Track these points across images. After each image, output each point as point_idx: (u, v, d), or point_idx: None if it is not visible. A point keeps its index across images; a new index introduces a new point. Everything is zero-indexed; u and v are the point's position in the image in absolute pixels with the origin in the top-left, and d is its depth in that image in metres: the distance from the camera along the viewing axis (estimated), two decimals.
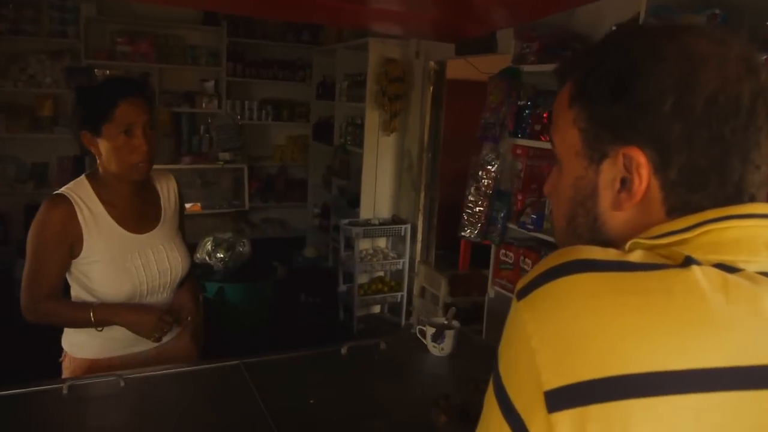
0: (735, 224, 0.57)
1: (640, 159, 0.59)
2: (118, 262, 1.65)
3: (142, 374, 1.61)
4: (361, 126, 4.65)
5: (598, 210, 0.64)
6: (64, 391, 1.49)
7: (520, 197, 2.99)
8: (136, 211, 1.72)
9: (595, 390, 0.49)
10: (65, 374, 1.73)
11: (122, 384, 1.54)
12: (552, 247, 2.80)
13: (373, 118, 4.54)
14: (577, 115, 0.64)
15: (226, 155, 4.54)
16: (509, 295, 3.01)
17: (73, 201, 1.61)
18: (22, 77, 4.85)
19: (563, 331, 0.52)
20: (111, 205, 1.67)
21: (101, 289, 1.65)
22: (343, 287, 4.66)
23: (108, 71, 5.12)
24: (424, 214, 4.57)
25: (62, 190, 1.64)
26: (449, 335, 1.79)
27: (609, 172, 0.62)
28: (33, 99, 4.96)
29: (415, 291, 4.18)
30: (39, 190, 5.00)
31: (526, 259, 2.93)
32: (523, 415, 0.52)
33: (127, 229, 1.69)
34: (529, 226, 2.86)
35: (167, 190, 1.83)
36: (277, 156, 6.04)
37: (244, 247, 3.89)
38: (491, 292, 3.16)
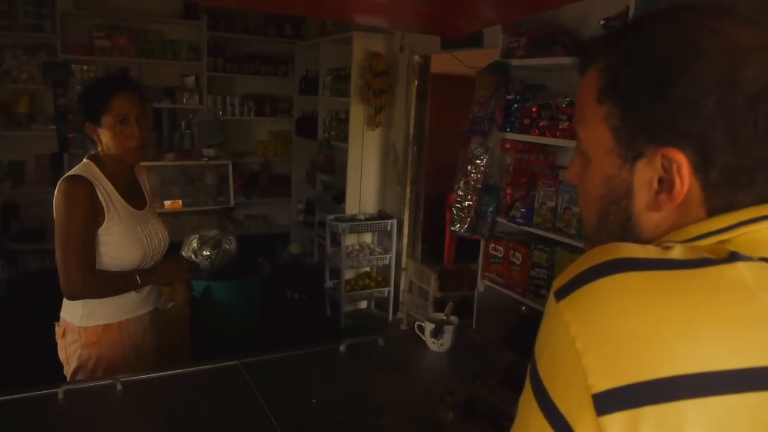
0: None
1: (681, 160, 0.57)
2: (131, 232, 1.87)
3: (140, 377, 1.58)
4: (346, 121, 4.62)
5: (633, 210, 0.63)
6: (60, 396, 1.46)
7: (509, 191, 3.00)
8: (131, 191, 1.93)
9: (647, 392, 0.48)
10: (71, 348, 1.85)
11: (119, 387, 1.51)
12: (541, 240, 2.82)
13: (357, 113, 4.52)
14: (609, 112, 0.62)
15: (210, 151, 4.47)
16: (499, 289, 3.02)
17: (90, 179, 1.79)
18: None
19: (610, 332, 0.51)
20: (116, 184, 1.86)
21: (119, 256, 1.85)
22: (329, 283, 4.65)
23: (85, 66, 5.02)
24: (410, 209, 4.57)
25: (75, 171, 1.82)
26: (448, 331, 1.79)
27: (645, 173, 0.60)
28: (8, 95, 4.83)
29: (403, 286, 4.18)
30: (16, 188, 4.88)
31: (516, 253, 2.95)
32: (569, 417, 0.52)
33: (131, 205, 1.90)
34: (519, 220, 2.87)
35: (143, 178, 2.06)
36: (259, 151, 5.97)
37: (230, 245, 3.84)
38: (481, 286, 3.17)
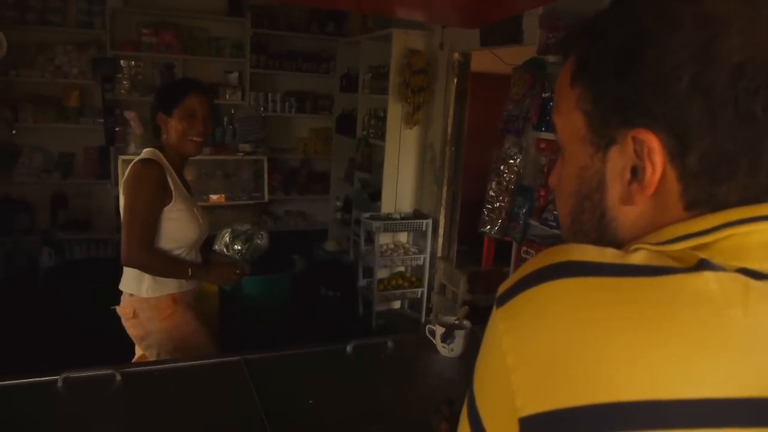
0: (762, 227, 0.48)
1: (653, 143, 0.50)
2: (191, 213, 2.11)
3: (139, 369, 1.57)
4: (384, 119, 4.57)
5: (606, 205, 0.55)
6: (59, 384, 1.46)
7: (542, 193, 2.89)
8: (182, 180, 2.16)
9: (577, 420, 0.41)
10: (150, 324, 2.05)
11: (118, 378, 1.50)
12: None
13: (395, 111, 4.46)
14: (581, 95, 0.55)
15: (247, 147, 4.50)
16: None
17: (160, 163, 2.02)
18: (49, 68, 4.88)
19: (543, 348, 0.44)
20: (175, 170, 2.10)
21: (183, 230, 2.09)
22: (363, 282, 4.61)
23: (133, 62, 5.15)
24: (446, 209, 4.47)
25: (146, 155, 2.03)
26: (459, 335, 1.71)
27: (618, 161, 0.53)
28: (59, 89, 4.99)
29: (435, 288, 4.10)
30: (65, 180, 5.04)
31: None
32: None
33: (186, 190, 2.15)
34: (552, 223, 2.75)
35: (187, 171, 2.28)
36: (300, 148, 5.99)
37: (262, 240, 3.83)
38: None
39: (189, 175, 4.34)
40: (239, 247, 3.84)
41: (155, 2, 5.16)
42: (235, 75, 5.49)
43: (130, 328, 2.09)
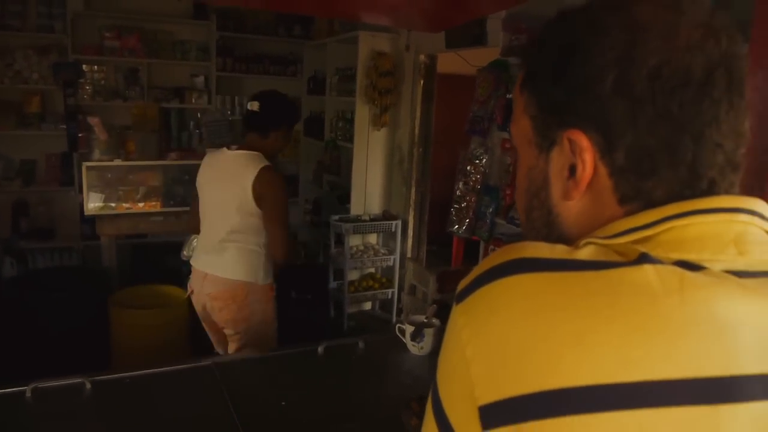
0: (698, 220, 0.52)
1: (583, 142, 0.54)
2: None
3: (110, 377, 1.56)
4: (352, 121, 4.59)
5: (551, 201, 0.59)
6: (28, 394, 1.45)
7: (508, 192, 2.95)
8: None
9: (530, 406, 0.44)
10: (255, 305, 2.38)
11: (88, 386, 1.49)
12: None
13: (363, 113, 4.49)
14: (528, 101, 0.60)
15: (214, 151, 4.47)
16: None
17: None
18: (9, 73, 4.76)
19: (498, 340, 0.47)
20: None
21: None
22: (333, 284, 4.62)
23: (96, 66, 5.06)
24: (415, 210, 4.52)
25: (263, 161, 2.32)
26: (429, 334, 1.74)
27: (558, 160, 0.57)
28: (20, 95, 4.88)
29: (405, 288, 4.13)
30: (27, 187, 4.93)
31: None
32: (457, 430, 0.48)
33: None
34: (518, 221, 2.80)
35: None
36: None
37: None
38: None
39: (156, 180, 4.29)
40: None
41: (118, 5, 5.08)
42: (201, 79, 5.44)
43: (237, 311, 2.36)
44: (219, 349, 2.61)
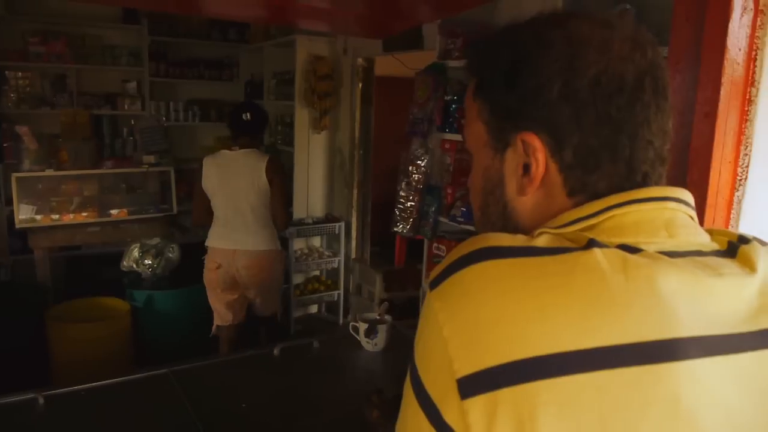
0: (634, 208, 0.60)
1: (536, 143, 0.61)
2: None
3: (64, 390, 1.54)
4: (291, 125, 4.60)
5: (506, 197, 0.66)
6: None
7: (450, 191, 3.04)
8: None
9: (504, 374, 0.50)
10: (279, 268, 3.17)
11: (41, 402, 1.46)
12: None
13: (302, 117, 4.50)
14: (481, 108, 0.66)
15: (151, 158, 4.37)
16: None
17: None
18: None
19: (471, 318, 0.52)
20: None
21: None
22: None
23: (20, 73, 4.85)
24: (358, 212, 4.57)
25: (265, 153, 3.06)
26: (382, 330, 1.79)
27: (512, 160, 0.64)
28: None
29: (351, 289, 4.18)
30: None
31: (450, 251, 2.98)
32: (438, 403, 0.53)
33: None
34: (460, 219, 2.90)
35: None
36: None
37: (173, 253, 3.77)
38: (425, 286, 3.19)
39: (91, 190, 4.16)
40: (150, 262, 3.76)
41: (42, 9, 4.88)
42: (134, 84, 5.30)
43: (265, 274, 3.04)
44: (228, 316, 3.16)
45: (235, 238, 3.01)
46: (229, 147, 3.09)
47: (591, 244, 0.55)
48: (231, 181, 3.01)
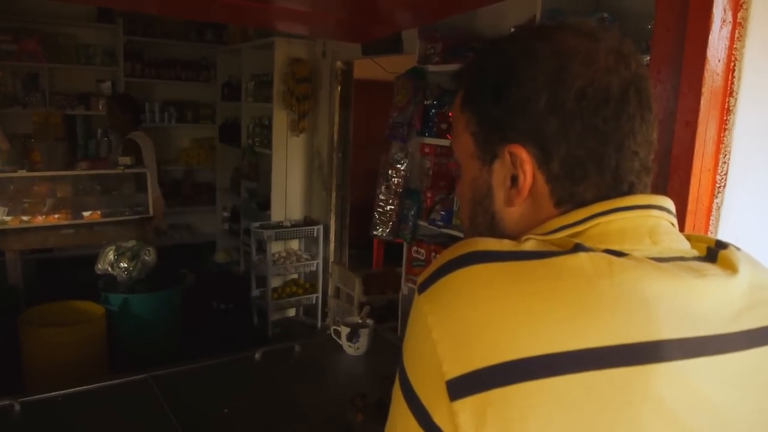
0: (619, 216, 0.61)
1: (523, 155, 0.62)
2: None
3: (40, 396, 1.51)
4: (269, 127, 4.58)
5: (494, 208, 0.67)
6: None
7: (429, 194, 3.06)
8: None
9: (492, 376, 0.51)
10: None
11: (17, 408, 1.43)
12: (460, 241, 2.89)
13: (281, 119, 4.49)
14: (468, 120, 0.67)
15: (127, 159, 4.31)
16: None
17: None
18: None
19: (460, 321, 0.53)
20: None
21: None
22: (256, 292, 4.57)
23: None
24: (336, 214, 4.57)
25: None
26: (364, 334, 1.80)
27: (500, 172, 0.65)
28: None
29: (330, 292, 4.17)
30: None
31: (438, 255, 2.99)
32: (427, 405, 0.54)
33: None
34: (439, 223, 2.92)
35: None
36: (182, 159, 5.83)
37: (149, 256, 3.72)
38: (405, 289, 3.21)
39: (64, 192, 4.11)
40: (125, 265, 3.70)
41: (14, 7, 4.80)
42: (108, 84, 5.24)
43: None
44: None
45: None
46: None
47: (577, 248, 0.56)
48: None
